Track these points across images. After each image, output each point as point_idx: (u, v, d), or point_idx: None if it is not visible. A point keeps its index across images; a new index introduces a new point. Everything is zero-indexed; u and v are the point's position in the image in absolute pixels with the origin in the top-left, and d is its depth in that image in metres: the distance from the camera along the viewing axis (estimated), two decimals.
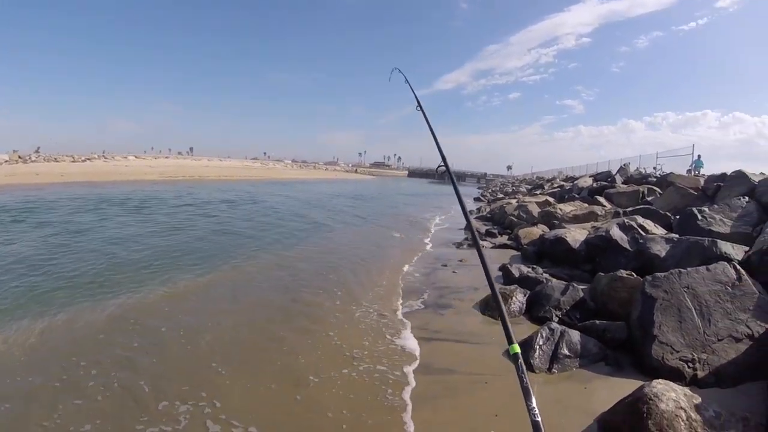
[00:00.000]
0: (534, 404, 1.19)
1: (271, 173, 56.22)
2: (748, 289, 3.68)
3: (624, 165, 15.97)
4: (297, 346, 3.98)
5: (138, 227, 10.43)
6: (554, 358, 3.62)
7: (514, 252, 8.66)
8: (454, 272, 7.12)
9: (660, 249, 4.81)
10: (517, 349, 1.39)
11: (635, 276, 4.36)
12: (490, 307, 5.00)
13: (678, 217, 6.14)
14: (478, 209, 19.34)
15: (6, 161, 30.36)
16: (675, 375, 3.20)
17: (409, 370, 3.62)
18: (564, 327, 3.77)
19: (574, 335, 3.70)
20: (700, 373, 3.24)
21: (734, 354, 3.30)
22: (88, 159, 39.34)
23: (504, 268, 6.53)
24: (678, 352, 3.45)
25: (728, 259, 4.20)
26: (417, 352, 3.96)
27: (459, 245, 9.94)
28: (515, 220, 11.43)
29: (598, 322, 4.01)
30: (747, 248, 4.51)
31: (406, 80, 4.19)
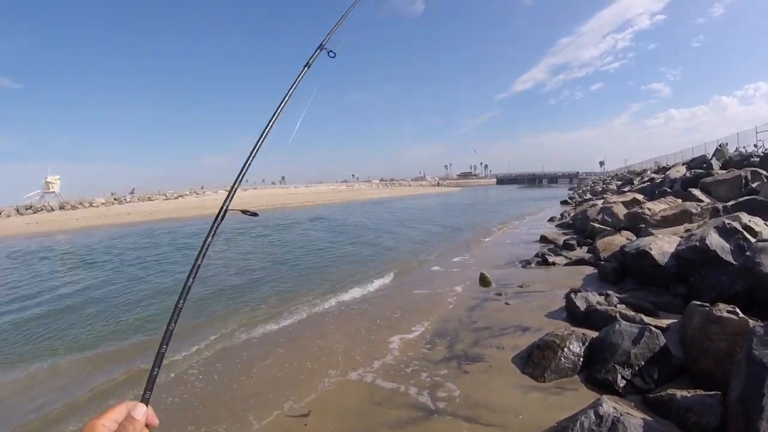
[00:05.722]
0: None
1: (356, 194, 57.70)
2: None
3: (720, 146, 12.45)
4: None
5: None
6: None
7: (590, 270, 7.03)
8: (507, 303, 5.89)
9: None
10: None
11: (740, 316, 2.85)
12: (535, 361, 3.79)
13: None
14: (561, 215, 16.99)
15: (102, 203, 35.27)
16: None
17: None
18: (620, 412, 2.49)
19: (633, 427, 2.41)
20: None
21: None
22: (180, 196, 42.97)
23: (568, 299, 5.15)
24: None
25: None
26: None
27: (526, 264, 8.50)
28: (597, 226, 9.52)
29: (678, 394, 2.63)
30: None
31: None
